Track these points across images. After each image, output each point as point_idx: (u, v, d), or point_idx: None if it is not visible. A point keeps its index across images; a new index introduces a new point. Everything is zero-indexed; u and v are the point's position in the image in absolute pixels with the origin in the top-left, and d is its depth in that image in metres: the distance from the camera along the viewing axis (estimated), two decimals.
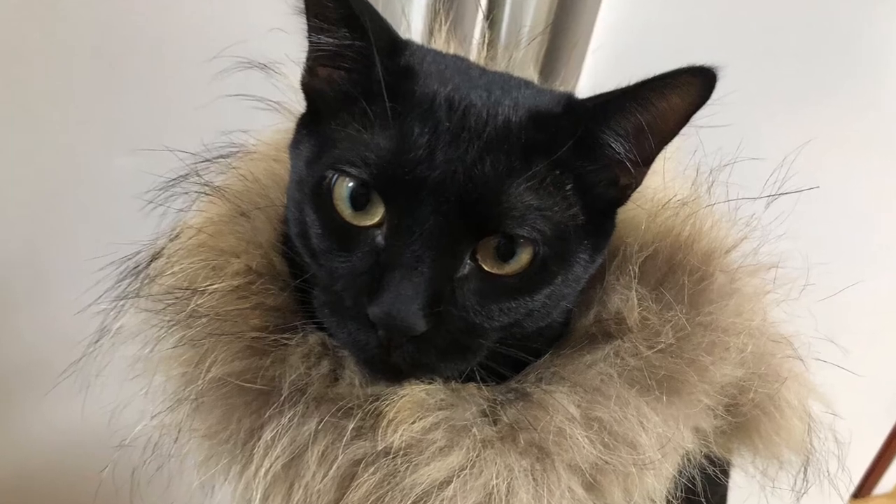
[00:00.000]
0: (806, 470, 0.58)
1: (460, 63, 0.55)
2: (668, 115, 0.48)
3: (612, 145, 0.50)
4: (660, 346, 0.52)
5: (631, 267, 0.54)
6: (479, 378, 0.51)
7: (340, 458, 0.49)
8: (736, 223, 0.57)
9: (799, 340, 0.58)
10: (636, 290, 0.53)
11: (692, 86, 0.46)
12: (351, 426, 0.49)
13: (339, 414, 0.50)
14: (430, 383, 0.51)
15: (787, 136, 0.68)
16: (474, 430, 0.49)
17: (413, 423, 0.48)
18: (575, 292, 0.53)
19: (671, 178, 0.60)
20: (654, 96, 0.47)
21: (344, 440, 0.49)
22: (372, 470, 0.48)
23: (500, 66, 0.70)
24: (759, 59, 1.00)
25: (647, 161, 0.51)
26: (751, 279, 0.56)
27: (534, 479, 0.48)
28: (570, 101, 0.51)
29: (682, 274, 0.54)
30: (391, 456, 0.48)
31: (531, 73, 0.75)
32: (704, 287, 0.54)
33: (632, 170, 0.51)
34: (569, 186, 0.50)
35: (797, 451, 0.58)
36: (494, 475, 0.48)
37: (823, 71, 1.14)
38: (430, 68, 0.51)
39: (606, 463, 0.49)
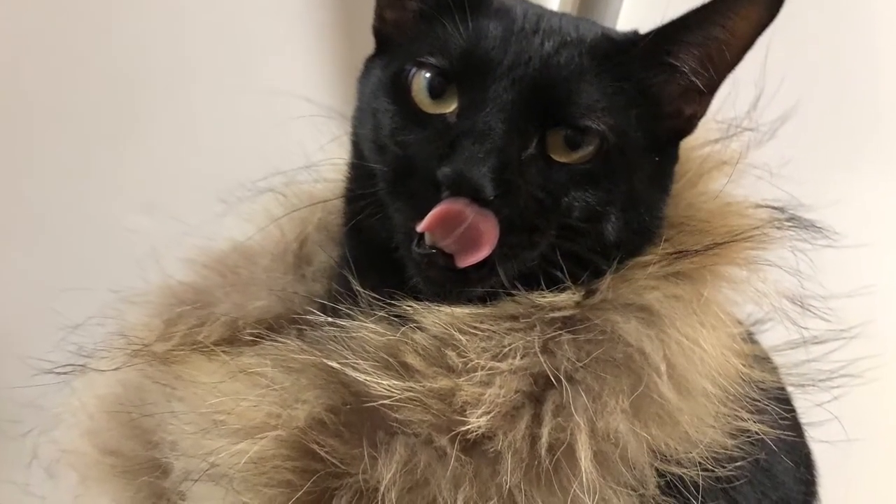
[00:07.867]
0: None
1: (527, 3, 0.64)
2: (737, 33, 0.55)
3: (682, 68, 0.58)
4: None
5: None
6: (543, 285, 0.56)
7: None
8: None
9: None
10: None
11: (760, 1, 0.53)
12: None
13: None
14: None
15: None
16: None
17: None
18: (638, 215, 0.59)
19: None
20: (720, 16, 0.55)
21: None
22: None
23: None
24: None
25: (713, 89, 0.59)
26: None
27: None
28: (636, 32, 0.59)
29: None
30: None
31: None
32: None
33: (697, 97, 0.59)
34: (634, 111, 0.57)
35: None
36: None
37: None
38: None
39: None
